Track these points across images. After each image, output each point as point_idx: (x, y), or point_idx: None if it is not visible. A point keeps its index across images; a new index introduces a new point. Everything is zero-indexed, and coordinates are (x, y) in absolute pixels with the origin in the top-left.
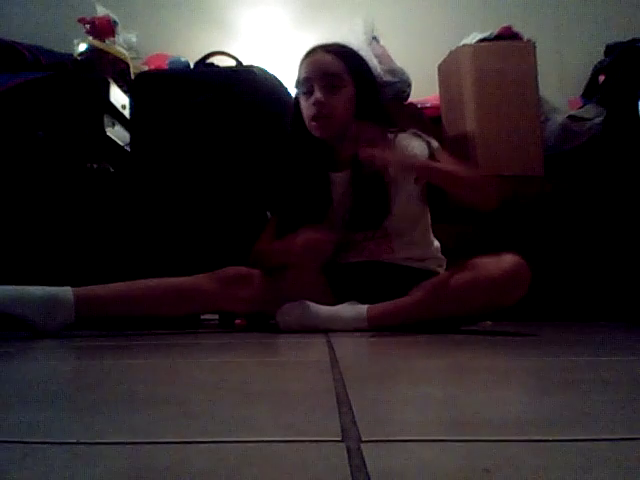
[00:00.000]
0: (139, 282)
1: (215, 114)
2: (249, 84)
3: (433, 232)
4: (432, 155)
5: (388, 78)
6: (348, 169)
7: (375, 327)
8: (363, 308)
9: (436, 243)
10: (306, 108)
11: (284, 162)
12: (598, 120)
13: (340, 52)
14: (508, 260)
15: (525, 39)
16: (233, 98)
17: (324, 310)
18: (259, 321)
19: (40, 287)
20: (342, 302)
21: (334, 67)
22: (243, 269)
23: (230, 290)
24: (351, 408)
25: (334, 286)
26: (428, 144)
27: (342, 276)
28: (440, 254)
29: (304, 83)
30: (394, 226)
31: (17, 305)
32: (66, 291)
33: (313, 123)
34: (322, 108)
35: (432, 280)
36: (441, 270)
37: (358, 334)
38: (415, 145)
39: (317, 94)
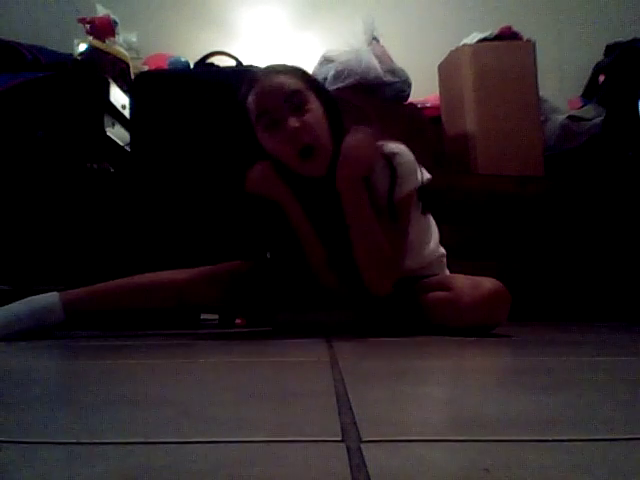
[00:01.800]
0: (128, 278)
1: (215, 114)
2: None
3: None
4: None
5: (388, 78)
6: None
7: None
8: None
9: (436, 237)
10: (281, 145)
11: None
12: (598, 120)
13: (287, 70)
14: (487, 287)
15: (525, 39)
16: (233, 98)
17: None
18: (259, 321)
19: (25, 301)
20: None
21: (293, 85)
22: (234, 264)
23: (219, 286)
24: (351, 408)
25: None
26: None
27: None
28: (441, 249)
29: (263, 117)
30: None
31: (9, 329)
32: (53, 297)
33: (305, 162)
34: (303, 135)
35: (421, 298)
36: (441, 270)
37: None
38: (380, 178)
39: (290, 122)
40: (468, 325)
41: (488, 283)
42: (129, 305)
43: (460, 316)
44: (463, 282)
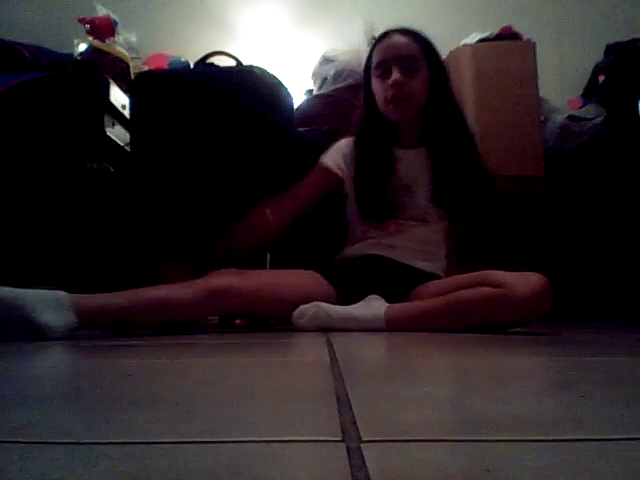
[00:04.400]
0: (142, 291)
1: (215, 114)
2: (249, 84)
3: None
4: None
5: None
6: (420, 146)
7: (392, 329)
8: (380, 309)
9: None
10: (382, 90)
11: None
12: (598, 120)
13: (415, 35)
14: (536, 281)
15: (525, 39)
16: (233, 98)
17: (338, 310)
18: (259, 321)
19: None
20: (344, 297)
21: (411, 49)
22: (226, 280)
23: (217, 300)
24: (351, 408)
25: (339, 279)
26: None
27: (346, 269)
28: (444, 258)
29: (381, 66)
30: (429, 207)
31: (28, 307)
32: (63, 297)
33: (390, 105)
34: (400, 89)
35: (458, 293)
36: (442, 274)
37: (357, 334)
38: None
39: (395, 75)
40: (521, 320)
41: (535, 277)
42: (145, 322)
43: (515, 311)
44: (511, 277)
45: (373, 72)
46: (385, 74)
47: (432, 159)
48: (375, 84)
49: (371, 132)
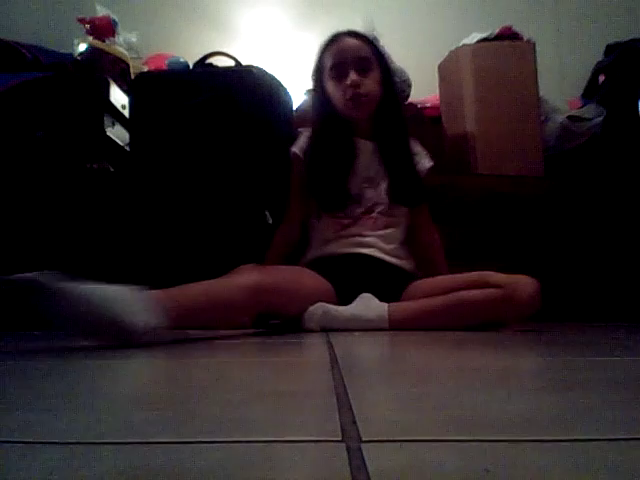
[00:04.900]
0: (190, 290)
1: (214, 114)
2: (248, 85)
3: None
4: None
5: None
6: (373, 140)
7: (396, 328)
8: (383, 309)
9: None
10: (339, 91)
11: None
12: (598, 120)
13: (364, 37)
14: (531, 283)
15: (525, 39)
16: (232, 99)
17: (343, 311)
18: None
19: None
20: (344, 296)
21: (364, 51)
22: (264, 276)
23: (262, 298)
24: (351, 408)
25: (330, 277)
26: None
27: (331, 268)
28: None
29: (336, 68)
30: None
31: (121, 307)
32: (148, 295)
33: (350, 103)
34: (358, 88)
35: (462, 294)
36: (418, 272)
37: (357, 333)
38: (423, 155)
39: (353, 76)
40: (518, 319)
41: (529, 279)
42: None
43: (516, 311)
44: (510, 279)
45: (327, 75)
46: (341, 76)
47: (383, 155)
48: (331, 86)
49: (331, 126)
